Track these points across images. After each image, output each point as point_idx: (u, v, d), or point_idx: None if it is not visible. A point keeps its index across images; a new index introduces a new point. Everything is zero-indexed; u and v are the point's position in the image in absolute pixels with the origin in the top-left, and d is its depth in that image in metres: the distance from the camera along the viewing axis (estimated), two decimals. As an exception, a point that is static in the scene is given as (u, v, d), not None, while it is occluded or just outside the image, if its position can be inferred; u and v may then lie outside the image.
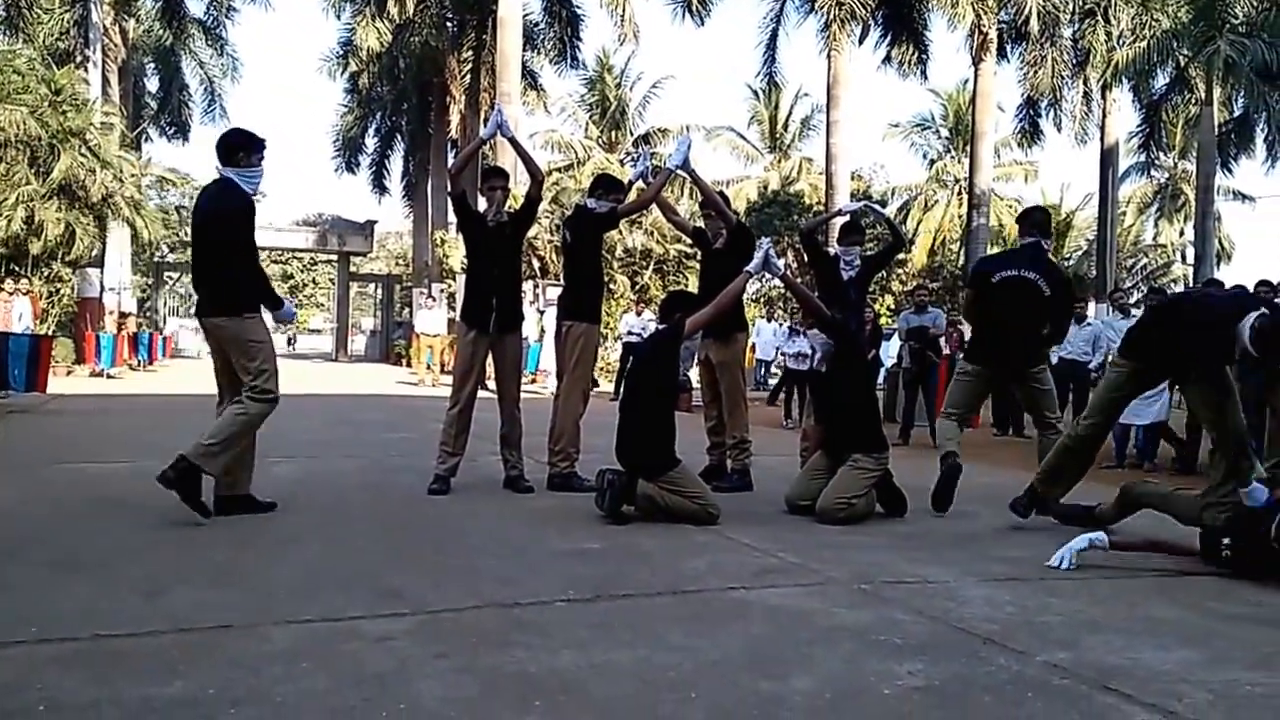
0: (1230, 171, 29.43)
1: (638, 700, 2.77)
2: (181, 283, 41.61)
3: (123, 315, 23.92)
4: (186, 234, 35.75)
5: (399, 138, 37.24)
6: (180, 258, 42.15)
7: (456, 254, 23.99)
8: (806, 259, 8.22)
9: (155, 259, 36.83)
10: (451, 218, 29.56)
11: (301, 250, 47.51)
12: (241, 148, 5.41)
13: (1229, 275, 36.55)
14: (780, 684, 2.93)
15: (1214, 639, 3.58)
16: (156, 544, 4.64)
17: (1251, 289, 9.79)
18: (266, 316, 5.47)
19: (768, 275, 6.25)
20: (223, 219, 5.37)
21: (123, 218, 22.07)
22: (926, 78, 26.18)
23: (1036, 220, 6.65)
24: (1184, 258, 40.58)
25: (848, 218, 8.25)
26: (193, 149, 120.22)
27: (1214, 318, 5.04)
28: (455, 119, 31.89)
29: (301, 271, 64.63)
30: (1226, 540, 4.66)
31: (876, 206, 8.19)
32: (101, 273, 23.49)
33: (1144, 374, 5.66)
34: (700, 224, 7.51)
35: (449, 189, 7.05)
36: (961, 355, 6.76)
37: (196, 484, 5.12)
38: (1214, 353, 5.01)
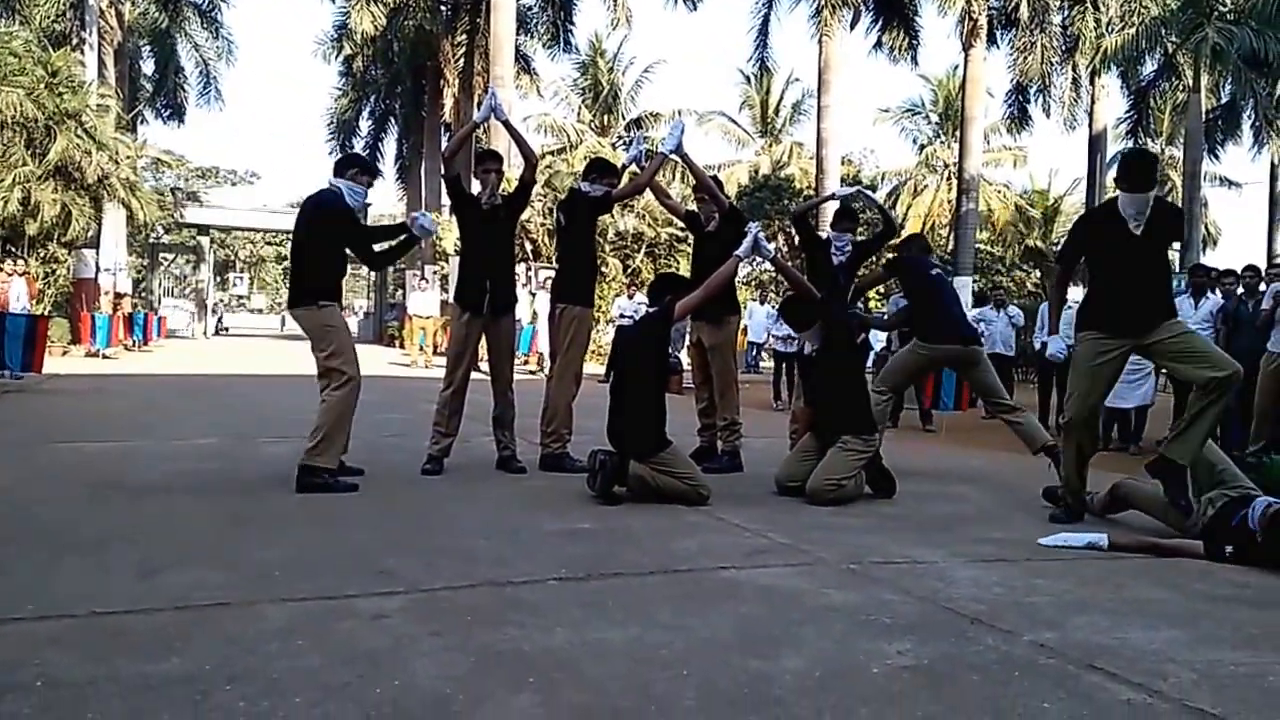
0: (1217, 158, 29.54)
1: (630, 678, 2.80)
2: (176, 264, 41.65)
3: (118, 296, 23.94)
4: (181, 215, 35.83)
5: (393, 121, 37.10)
6: (175, 238, 42.13)
7: (450, 236, 23.95)
8: (797, 241, 8.27)
9: (150, 240, 36.79)
10: (445, 200, 29.50)
11: (295, 232, 47.43)
12: (354, 165, 6.17)
13: (1214, 261, 36.65)
14: (771, 663, 2.96)
15: (1200, 620, 3.61)
16: (152, 524, 4.66)
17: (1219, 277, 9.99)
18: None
19: (758, 259, 6.28)
20: (317, 219, 5.93)
21: (118, 199, 22.04)
22: (917, 63, 26.24)
23: (922, 245, 7.97)
24: (1171, 243, 40.71)
25: (838, 203, 8.28)
26: (188, 131, 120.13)
27: None
28: (449, 102, 31.84)
29: (296, 253, 64.51)
30: (1230, 549, 4.64)
31: (869, 193, 8.21)
32: (97, 254, 23.48)
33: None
34: (693, 207, 7.53)
35: (443, 172, 7.05)
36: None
37: (320, 478, 5.61)
38: None
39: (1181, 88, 25.56)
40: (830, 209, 8.34)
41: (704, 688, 2.74)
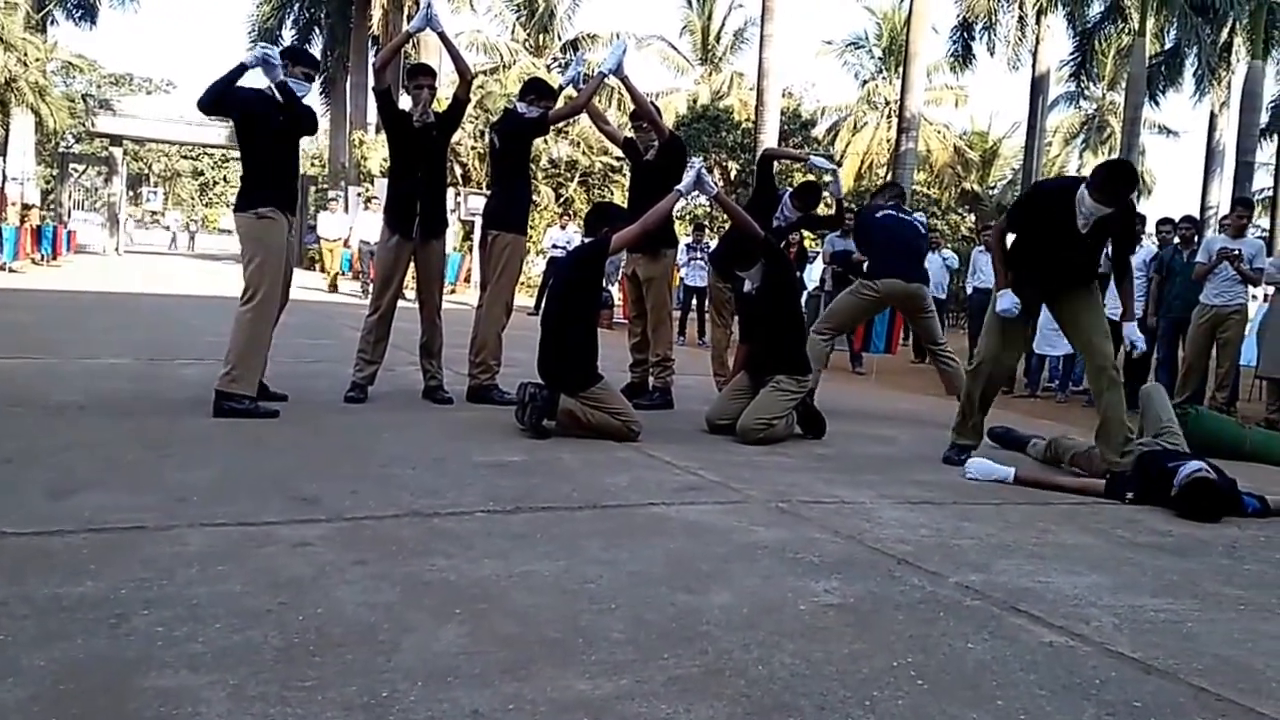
0: (1157, 104, 29.96)
1: (558, 610, 2.77)
2: (87, 176, 40.21)
3: (26, 207, 23.06)
4: (92, 124, 34.47)
5: (318, 31, 35.92)
6: (86, 149, 40.53)
7: (375, 156, 23.47)
8: (755, 179, 8.21)
9: (60, 150, 35.50)
10: (371, 118, 28.85)
11: (213, 146, 46.27)
12: (288, 57, 5.74)
13: (1150, 209, 37.26)
14: (699, 597, 2.95)
15: (1123, 566, 3.68)
16: (64, 444, 4.50)
17: (1154, 229, 10.19)
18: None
19: (699, 194, 6.21)
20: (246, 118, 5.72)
21: (26, 104, 21.20)
22: (864, -8, 26.17)
23: (898, 192, 8.28)
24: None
25: (809, 175, 8.26)
26: (101, 34, 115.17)
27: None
28: (377, 14, 30.86)
29: (213, 169, 62.78)
30: (1130, 495, 4.82)
31: (839, 181, 8.17)
32: (3, 162, 22.58)
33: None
34: (630, 134, 7.40)
35: (374, 84, 6.82)
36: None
37: (239, 403, 5.42)
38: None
39: (1127, 31, 25.76)
40: (800, 183, 8.28)
41: (633, 620, 2.72)
